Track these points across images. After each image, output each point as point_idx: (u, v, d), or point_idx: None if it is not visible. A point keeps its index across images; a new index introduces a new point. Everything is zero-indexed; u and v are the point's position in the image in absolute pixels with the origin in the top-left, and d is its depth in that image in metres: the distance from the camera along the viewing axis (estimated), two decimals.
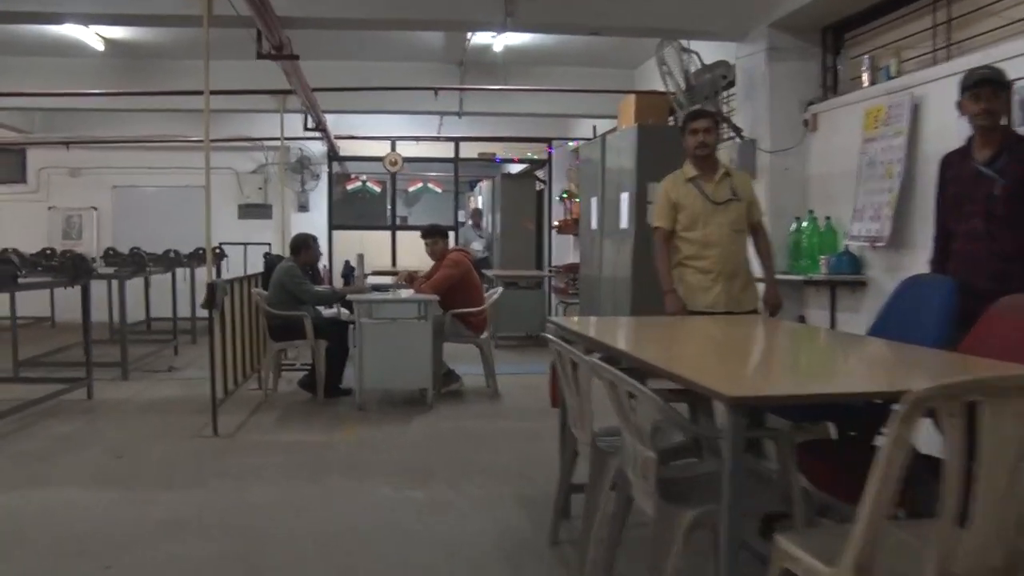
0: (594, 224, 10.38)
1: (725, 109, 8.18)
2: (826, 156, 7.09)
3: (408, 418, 7.17)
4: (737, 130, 7.42)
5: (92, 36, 9.47)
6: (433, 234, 8.40)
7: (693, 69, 7.51)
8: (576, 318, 8.65)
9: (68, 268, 7.43)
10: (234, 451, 6.08)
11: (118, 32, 9.61)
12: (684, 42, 7.83)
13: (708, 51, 8.19)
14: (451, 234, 11.14)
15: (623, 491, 3.37)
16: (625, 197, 9.22)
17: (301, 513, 4.72)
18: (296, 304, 7.76)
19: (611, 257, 9.75)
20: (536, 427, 6.79)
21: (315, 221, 14.48)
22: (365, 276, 8.55)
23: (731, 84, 7.99)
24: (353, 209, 15.48)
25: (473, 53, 10.45)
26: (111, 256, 11.41)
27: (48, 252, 12.88)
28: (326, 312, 8.36)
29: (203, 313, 6.34)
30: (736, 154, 7.44)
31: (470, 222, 14.21)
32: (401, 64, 10.90)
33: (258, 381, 8.21)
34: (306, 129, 11.36)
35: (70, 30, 9.27)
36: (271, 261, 8.74)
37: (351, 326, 7.87)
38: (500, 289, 8.51)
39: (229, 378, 6.97)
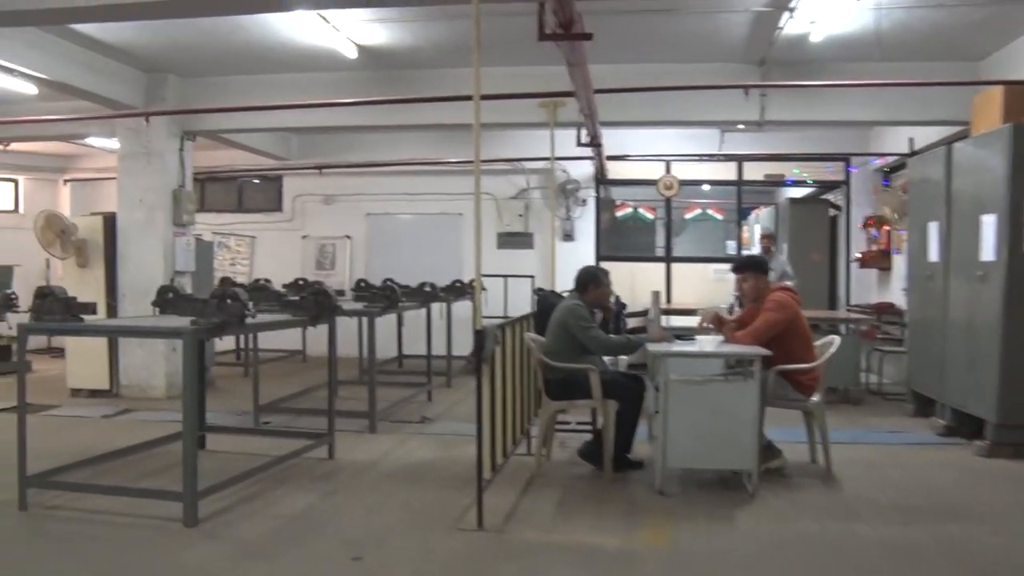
0: (933, 256, 8.23)
1: None
2: None
3: (728, 513, 5.34)
4: None
5: (345, 43, 8.41)
6: (750, 268, 6.57)
7: None
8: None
9: (309, 306, 6.22)
10: (506, 558, 4.48)
11: (372, 38, 8.50)
12: None
13: None
14: None
15: None
16: (990, 221, 7.07)
17: None
18: (579, 353, 6.16)
19: (963, 298, 7.58)
20: (914, 538, 4.83)
21: (581, 251, 13.03)
22: (660, 319, 6.82)
23: None
24: (622, 238, 13.87)
25: (781, 49, 8.57)
26: (362, 288, 10.36)
27: (300, 283, 12.16)
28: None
29: (459, 351, 5.05)
30: None
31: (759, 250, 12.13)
32: (689, 66, 9.18)
33: (527, 445, 6.68)
34: (579, 145, 9.86)
35: (322, 39, 8.26)
36: (546, 299, 7.16)
37: (648, 382, 6.18)
38: (836, 339, 6.53)
39: (497, 448, 5.42)
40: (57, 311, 5.43)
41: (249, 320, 5.12)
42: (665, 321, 9.59)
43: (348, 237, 14.04)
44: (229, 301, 5.11)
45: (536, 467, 6.29)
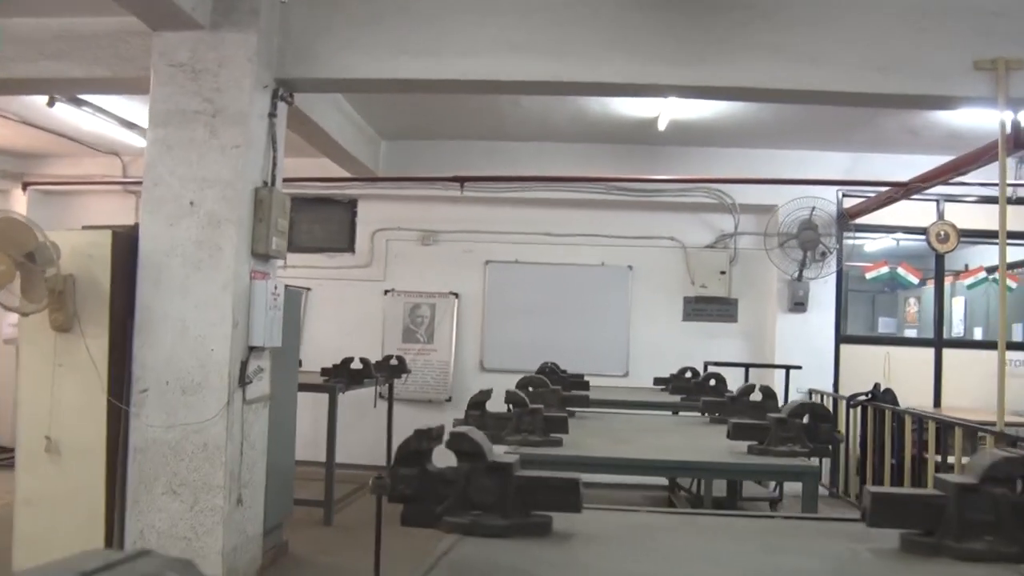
0: None
1: None
2: None
3: None
4: None
5: None
6: None
7: None
8: None
9: None
10: None
11: None
12: None
13: None
14: None
15: None
16: None
17: None
18: None
19: None
20: None
21: (812, 328, 8.71)
22: None
23: None
24: (867, 310, 9.41)
25: None
26: (566, 378, 5.68)
27: (393, 363, 7.86)
28: None
29: None
30: None
31: None
32: None
33: None
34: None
35: None
36: None
37: None
38: None
39: None
40: None
41: None
42: None
43: (455, 295, 9.27)
44: None
45: None
